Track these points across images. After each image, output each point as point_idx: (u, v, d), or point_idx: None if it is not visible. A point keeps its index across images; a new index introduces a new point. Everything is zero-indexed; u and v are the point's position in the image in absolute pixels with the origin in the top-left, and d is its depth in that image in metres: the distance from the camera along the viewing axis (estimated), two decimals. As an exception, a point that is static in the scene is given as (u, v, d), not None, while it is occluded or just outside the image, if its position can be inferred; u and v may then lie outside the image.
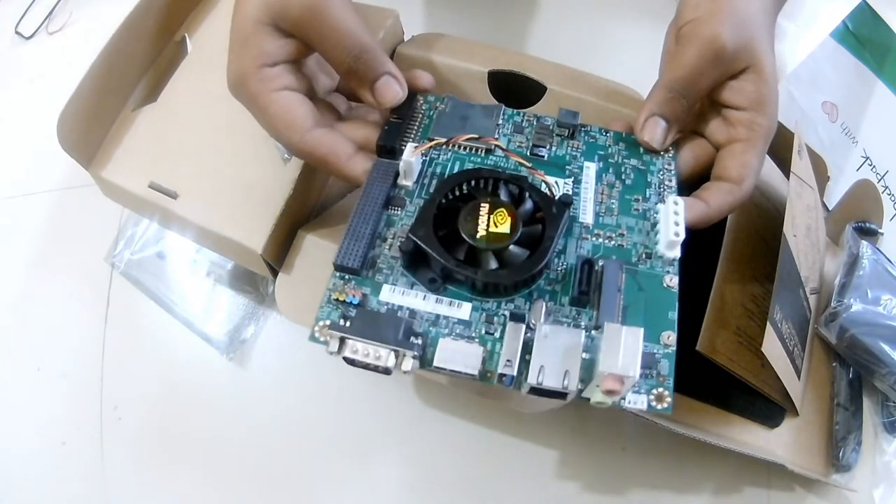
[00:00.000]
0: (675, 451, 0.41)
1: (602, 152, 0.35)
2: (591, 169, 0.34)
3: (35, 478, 0.43)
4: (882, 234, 0.45)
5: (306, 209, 0.40)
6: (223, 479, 0.42)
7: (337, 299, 0.29)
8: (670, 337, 0.29)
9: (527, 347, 0.27)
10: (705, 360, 0.35)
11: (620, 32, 0.56)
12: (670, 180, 0.34)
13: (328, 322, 0.29)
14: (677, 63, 0.33)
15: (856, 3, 0.45)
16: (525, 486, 0.41)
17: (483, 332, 0.29)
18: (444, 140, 0.34)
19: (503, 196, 0.31)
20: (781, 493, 0.40)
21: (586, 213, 0.32)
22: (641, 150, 0.35)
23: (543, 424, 0.42)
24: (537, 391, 0.27)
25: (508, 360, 0.27)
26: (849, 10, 0.46)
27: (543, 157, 0.35)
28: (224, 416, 0.44)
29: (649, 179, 0.34)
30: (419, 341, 0.28)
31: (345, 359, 0.28)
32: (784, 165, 0.39)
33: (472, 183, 0.32)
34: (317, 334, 0.28)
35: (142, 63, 0.43)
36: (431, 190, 0.32)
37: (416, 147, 0.32)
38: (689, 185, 0.35)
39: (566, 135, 0.35)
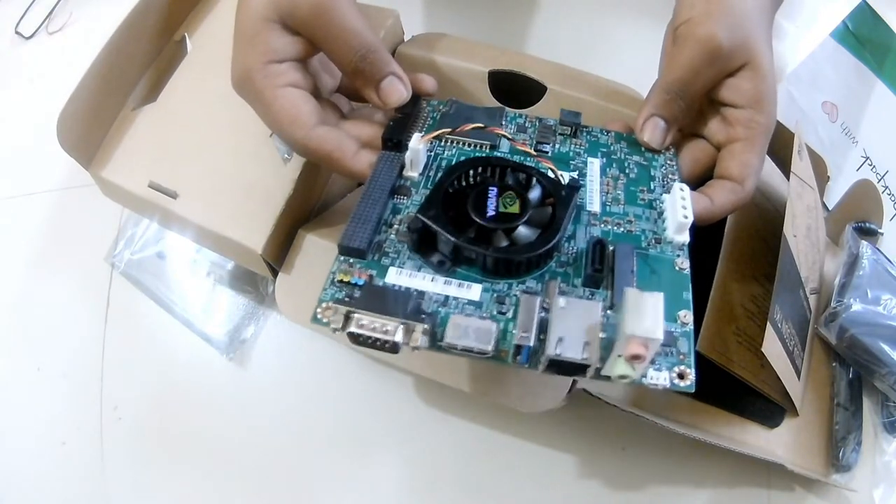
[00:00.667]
0: (675, 451, 0.41)
1: (604, 150, 0.35)
2: (594, 164, 0.34)
3: (35, 478, 0.43)
4: (882, 234, 0.45)
5: (307, 209, 0.40)
6: (223, 479, 0.42)
7: (341, 280, 0.28)
8: (686, 315, 0.28)
9: (542, 326, 0.26)
10: (705, 360, 0.35)
11: (620, 32, 0.56)
12: (673, 174, 0.34)
13: (331, 303, 0.27)
14: (674, 64, 0.33)
15: (856, 3, 0.45)
16: (525, 485, 0.41)
17: (495, 311, 0.28)
18: (450, 129, 0.34)
19: (511, 182, 0.31)
20: (781, 493, 0.40)
21: (593, 203, 0.32)
22: (643, 148, 0.35)
23: (543, 424, 0.42)
24: (555, 365, 0.25)
25: (525, 333, 0.26)
26: (849, 10, 0.46)
27: (547, 153, 0.35)
28: (224, 416, 0.44)
29: (653, 174, 0.34)
30: (429, 319, 0.26)
31: (350, 335, 0.26)
32: (784, 165, 0.39)
33: (480, 170, 0.32)
34: (319, 315, 0.27)
35: (142, 62, 0.43)
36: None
37: (422, 136, 0.32)
38: (690, 186, 0.35)
39: (569, 133, 0.36)
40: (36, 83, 0.56)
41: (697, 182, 0.34)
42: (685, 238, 0.31)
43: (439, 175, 0.32)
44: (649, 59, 0.36)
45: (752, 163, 0.33)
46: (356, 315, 0.26)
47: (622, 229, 0.31)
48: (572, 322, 0.26)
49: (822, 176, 0.46)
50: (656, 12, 0.38)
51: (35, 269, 0.49)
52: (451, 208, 0.30)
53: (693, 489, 0.41)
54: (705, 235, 0.34)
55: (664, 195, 0.32)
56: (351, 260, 0.29)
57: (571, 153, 0.35)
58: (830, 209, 0.48)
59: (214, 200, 0.38)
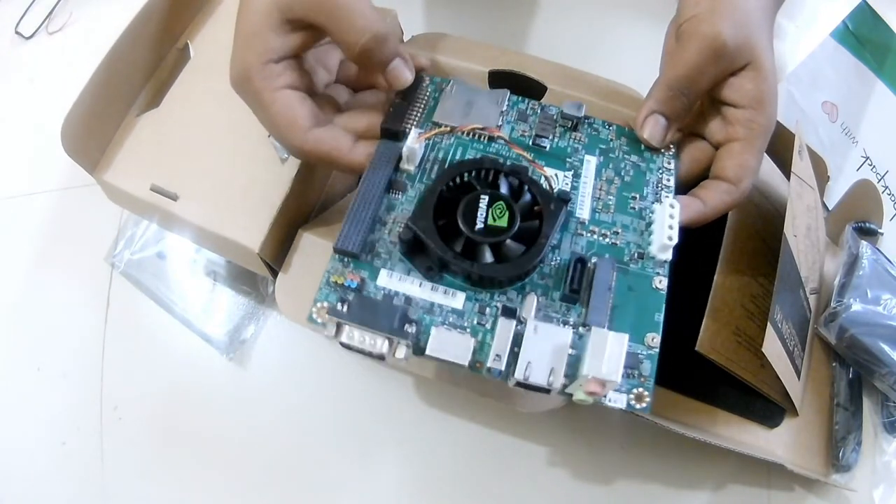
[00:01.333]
0: (675, 451, 0.41)
1: (603, 146, 0.35)
2: (591, 163, 0.34)
3: (35, 478, 0.43)
4: (882, 234, 0.45)
5: (305, 209, 0.40)
6: (223, 479, 0.42)
7: (335, 282, 0.30)
8: (654, 339, 0.29)
9: (517, 340, 0.28)
10: (705, 361, 0.35)
11: (620, 32, 0.56)
12: (668, 180, 0.34)
13: (325, 304, 0.29)
14: (678, 61, 0.33)
15: (856, 3, 0.45)
16: (525, 485, 0.41)
17: (475, 322, 0.29)
18: (448, 128, 0.34)
19: (503, 188, 0.32)
20: (781, 493, 0.40)
21: (584, 208, 0.33)
22: (642, 146, 0.35)
23: (543, 424, 0.42)
24: (523, 385, 0.28)
25: (497, 355, 0.28)
26: (849, 10, 0.46)
27: (545, 147, 0.35)
28: (224, 416, 0.44)
29: (647, 178, 0.34)
30: (413, 329, 0.28)
31: (341, 343, 0.28)
32: (784, 166, 0.39)
33: (473, 173, 0.32)
34: (314, 315, 0.29)
35: (144, 70, 0.43)
36: (433, 175, 0.33)
37: (420, 133, 0.33)
38: (688, 185, 0.35)
39: (569, 126, 0.36)
40: (36, 83, 0.56)
41: (696, 182, 0.34)
42: (667, 257, 0.31)
43: (436, 167, 0.33)
44: (649, 59, 0.36)
45: (750, 164, 0.33)
46: (346, 327, 0.28)
47: (608, 241, 0.32)
48: (542, 348, 0.28)
49: (822, 176, 0.46)
50: (656, 12, 0.38)
51: (35, 269, 0.49)
52: (441, 216, 0.30)
53: (693, 489, 0.41)
54: (705, 235, 0.34)
55: (655, 204, 0.33)
56: (345, 259, 0.30)
57: (569, 149, 0.35)
58: (830, 209, 0.48)
59: (213, 201, 0.38)
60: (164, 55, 0.44)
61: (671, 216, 0.31)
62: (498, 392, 0.35)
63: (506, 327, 0.28)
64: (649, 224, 0.32)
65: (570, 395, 0.28)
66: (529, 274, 0.30)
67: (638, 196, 0.33)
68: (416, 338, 0.28)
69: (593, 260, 0.31)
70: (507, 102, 0.36)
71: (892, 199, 0.45)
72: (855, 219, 0.46)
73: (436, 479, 0.42)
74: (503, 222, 0.30)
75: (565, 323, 0.30)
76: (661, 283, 0.31)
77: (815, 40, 0.49)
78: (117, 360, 0.45)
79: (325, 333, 0.28)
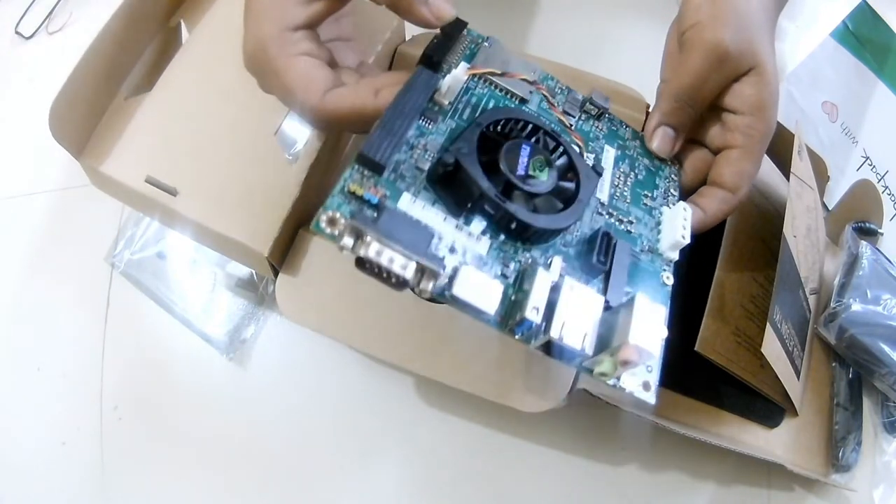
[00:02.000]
0: (675, 451, 0.41)
1: (621, 142, 0.36)
2: (610, 153, 0.35)
3: (35, 478, 0.43)
4: (882, 234, 0.45)
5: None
6: (223, 479, 0.42)
7: (352, 192, 0.26)
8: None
9: (550, 307, 0.26)
10: (705, 361, 0.35)
11: (621, 32, 0.56)
12: (675, 190, 0.35)
13: (338, 214, 0.24)
14: (682, 70, 0.33)
15: (856, 3, 0.45)
16: (525, 485, 0.41)
17: (499, 272, 0.27)
18: (500, 71, 0.33)
19: (542, 145, 0.31)
20: (781, 493, 0.41)
21: (603, 191, 0.33)
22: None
23: (543, 424, 0.42)
24: (548, 346, 0.26)
25: (535, 307, 0.25)
26: (849, 10, 0.46)
27: (571, 125, 0.35)
28: (224, 416, 0.44)
29: (657, 182, 0.35)
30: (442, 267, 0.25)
31: (358, 260, 0.24)
32: (784, 166, 0.39)
33: (514, 122, 0.31)
34: (322, 225, 0.24)
35: (134, 49, 0.42)
36: (464, 117, 0.31)
37: (469, 67, 0.32)
38: (688, 192, 0.35)
39: (593, 114, 0.36)
40: (36, 83, 0.56)
41: (696, 189, 0.35)
42: (675, 256, 0.31)
43: (468, 110, 0.32)
44: (649, 59, 0.36)
45: (748, 171, 0.33)
46: (371, 240, 0.23)
47: (623, 227, 0.32)
48: (576, 310, 0.26)
49: (822, 176, 0.46)
50: (656, 12, 0.38)
51: (35, 269, 0.49)
52: (483, 153, 0.29)
53: (693, 489, 0.41)
54: (705, 235, 0.34)
55: (664, 207, 0.33)
56: (366, 172, 0.27)
57: (591, 135, 0.35)
58: (830, 209, 0.48)
59: (217, 200, 0.38)
60: (155, 34, 0.43)
61: (684, 218, 0.31)
62: (498, 392, 0.35)
63: (544, 279, 0.26)
64: (658, 223, 0.32)
65: (589, 370, 0.26)
66: (559, 234, 0.29)
67: (649, 195, 0.34)
68: (449, 275, 0.25)
69: (614, 242, 0.30)
70: (538, 74, 0.35)
71: (892, 199, 0.45)
72: (855, 219, 0.46)
73: (436, 479, 0.42)
74: (544, 177, 0.29)
75: None
76: (669, 279, 0.31)
77: (815, 40, 0.49)
78: (117, 360, 0.45)
79: (341, 244, 0.24)
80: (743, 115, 0.33)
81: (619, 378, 0.27)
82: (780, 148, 0.39)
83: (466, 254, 0.27)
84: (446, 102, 0.31)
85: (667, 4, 0.35)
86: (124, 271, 0.47)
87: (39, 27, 0.58)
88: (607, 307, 0.28)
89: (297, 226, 0.38)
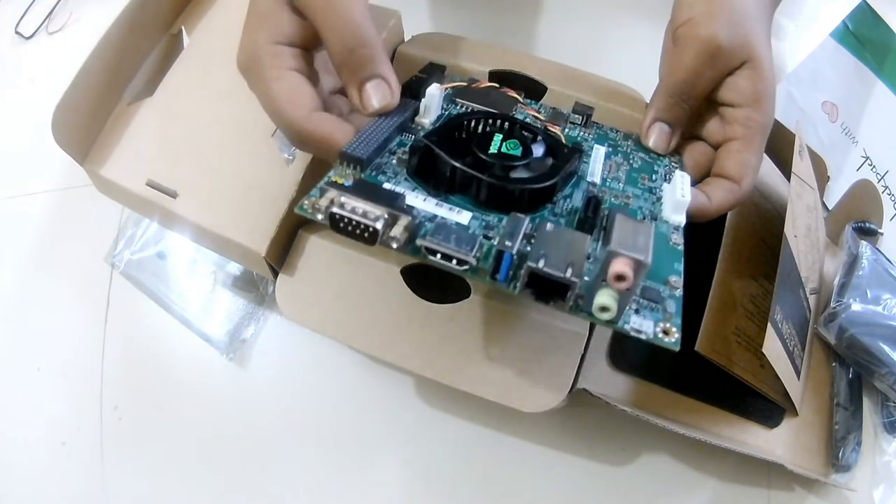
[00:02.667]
0: (675, 451, 0.41)
1: (611, 142, 0.36)
2: (600, 150, 0.35)
3: (35, 478, 0.43)
4: (882, 234, 0.45)
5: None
6: (223, 479, 0.42)
7: (335, 181, 0.27)
8: (677, 281, 0.27)
9: (529, 237, 0.26)
10: (705, 361, 0.35)
11: (621, 33, 0.56)
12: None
13: (320, 199, 0.26)
14: (676, 66, 0.33)
15: (856, 3, 0.45)
16: (525, 486, 0.41)
17: (482, 237, 0.27)
18: (466, 84, 0.35)
19: (517, 135, 0.32)
20: (781, 493, 0.41)
21: (594, 175, 0.33)
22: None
23: (543, 424, 0.42)
24: (535, 283, 0.25)
25: (508, 241, 0.25)
26: (849, 10, 0.46)
27: (557, 126, 0.35)
28: (224, 416, 0.44)
29: (656, 168, 0.34)
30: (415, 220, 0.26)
31: (331, 217, 0.26)
32: (784, 166, 0.39)
33: (489, 121, 0.32)
34: (306, 207, 0.26)
35: (138, 56, 0.42)
36: None
37: (440, 86, 0.33)
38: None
39: (580, 122, 0.36)
40: (36, 83, 0.56)
41: (695, 184, 0.35)
42: (681, 219, 0.30)
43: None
44: (649, 59, 0.36)
45: (750, 162, 0.33)
46: (342, 198, 0.25)
47: (620, 201, 0.31)
48: (558, 244, 0.25)
49: (822, 176, 0.46)
50: (656, 12, 0.38)
51: (35, 269, 0.49)
52: (454, 143, 0.30)
53: (693, 489, 0.41)
54: (705, 236, 0.34)
55: (664, 185, 0.33)
56: (349, 168, 0.28)
57: (579, 138, 0.35)
58: (830, 209, 0.48)
59: (215, 201, 0.38)
60: (158, 41, 0.43)
61: (682, 184, 0.30)
62: (498, 392, 0.35)
63: (517, 219, 0.26)
64: (659, 198, 0.32)
65: (589, 312, 0.25)
66: (542, 203, 0.29)
67: (647, 177, 0.33)
68: (416, 226, 0.26)
69: (606, 211, 0.29)
70: (521, 97, 0.36)
71: (892, 199, 0.45)
72: (855, 219, 0.46)
73: (436, 479, 0.42)
74: (516, 153, 0.30)
75: None
76: (678, 239, 0.29)
77: (815, 40, 0.49)
78: (117, 360, 0.45)
79: (318, 215, 0.26)
80: (741, 107, 0.33)
81: (627, 322, 0.25)
82: (781, 148, 0.39)
83: (447, 222, 0.27)
84: (427, 122, 0.33)
85: (667, 5, 0.36)
86: (124, 271, 0.47)
87: (39, 27, 0.58)
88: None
89: (296, 226, 0.38)
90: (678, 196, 0.30)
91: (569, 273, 0.24)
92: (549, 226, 0.26)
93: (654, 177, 0.34)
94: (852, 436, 0.40)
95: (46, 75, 0.56)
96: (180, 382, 0.45)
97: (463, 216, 0.28)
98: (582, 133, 0.36)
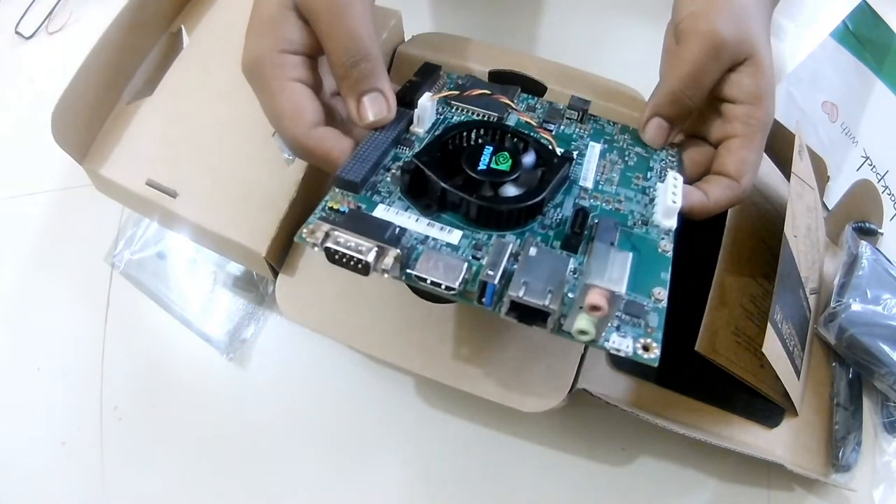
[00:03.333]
0: (675, 451, 0.41)
1: (608, 138, 0.36)
2: (595, 148, 0.35)
3: (35, 478, 0.43)
4: (882, 234, 0.45)
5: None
6: (223, 479, 0.42)
7: (331, 207, 0.30)
8: (661, 293, 0.28)
9: (513, 261, 0.27)
10: (704, 361, 0.35)
11: (621, 32, 0.56)
12: (672, 168, 0.34)
13: (317, 221, 0.28)
14: (678, 61, 0.33)
15: (856, 3, 0.45)
16: (525, 486, 0.41)
17: (470, 256, 0.28)
18: (458, 92, 0.35)
19: (507, 146, 0.32)
20: (781, 493, 0.41)
21: (587, 180, 0.33)
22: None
23: (543, 424, 0.42)
24: (516, 309, 0.26)
25: (490, 272, 0.26)
26: (849, 10, 0.46)
27: (551, 131, 0.35)
28: (224, 416, 0.44)
29: (651, 165, 0.34)
30: (406, 244, 0.28)
31: (326, 251, 0.27)
32: (784, 166, 0.39)
33: (482, 132, 0.33)
34: (304, 235, 0.28)
35: (137, 55, 0.42)
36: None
37: (433, 94, 0.34)
38: (688, 183, 0.35)
39: (576, 118, 0.36)
40: (36, 83, 0.56)
41: (695, 182, 0.34)
42: (672, 224, 0.31)
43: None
44: (649, 59, 0.36)
45: (750, 159, 0.33)
46: (335, 232, 0.27)
47: (611, 206, 0.32)
48: (540, 270, 0.26)
49: (822, 176, 0.46)
50: (656, 12, 0.38)
51: (35, 269, 0.49)
52: (445, 159, 0.31)
53: (693, 489, 0.41)
54: (705, 235, 0.34)
55: (658, 183, 0.33)
56: (345, 192, 0.30)
57: (575, 135, 0.36)
58: (830, 209, 0.48)
59: (215, 201, 0.38)
60: (157, 39, 0.43)
61: (675, 186, 0.31)
62: (498, 392, 0.35)
63: (501, 245, 0.27)
64: (652, 199, 0.32)
65: (569, 333, 0.26)
66: (531, 217, 0.30)
67: (641, 177, 0.34)
68: (406, 257, 0.27)
69: (596, 220, 0.30)
70: (516, 97, 0.37)
71: (892, 199, 0.45)
72: (855, 219, 0.46)
73: (436, 479, 0.42)
74: (505, 167, 0.30)
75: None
76: (667, 246, 0.30)
77: (815, 40, 0.49)
78: (117, 360, 0.45)
79: (312, 243, 0.27)
80: (741, 104, 0.33)
81: (607, 340, 0.26)
82: (781, 148, 0.39)
83: (438, 244, 0.29)
84: (422, 131, 0.33)
85: (667, 5, 0.36)
86: (124, 271, 0.47)
87: (39, 27, 0.58)
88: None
89: (295, 226, 0.38)
90: (669, 202, 0.30)
91: (548, 301, 0.25)
92: (532, 250, 0.27)
93: (648, 174, 0.34)
94: (852, 436, 0.40)
95: (46, 75, 0.56)
96: (180, 382, 0.45)
97: (453, 236, 0.29)
98: (578, 129, 0.36)
